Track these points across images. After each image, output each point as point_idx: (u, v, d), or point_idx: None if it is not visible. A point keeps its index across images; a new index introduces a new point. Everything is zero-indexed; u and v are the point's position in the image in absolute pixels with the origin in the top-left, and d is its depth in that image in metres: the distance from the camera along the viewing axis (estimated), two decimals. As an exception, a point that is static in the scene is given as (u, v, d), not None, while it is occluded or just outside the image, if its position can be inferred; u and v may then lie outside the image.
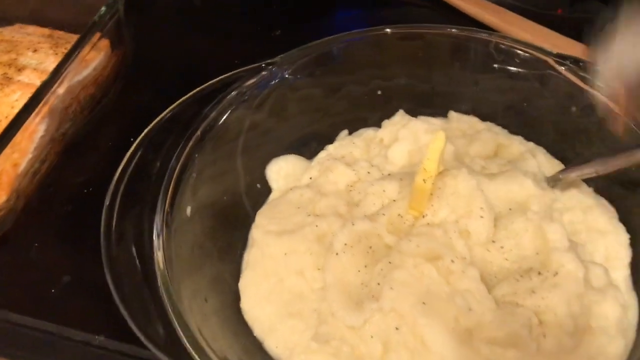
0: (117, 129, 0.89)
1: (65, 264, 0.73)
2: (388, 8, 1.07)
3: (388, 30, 0.74)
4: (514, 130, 0.75)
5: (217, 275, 0.64)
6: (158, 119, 0.65)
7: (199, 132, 0.64)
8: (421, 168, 0.58)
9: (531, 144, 0.73)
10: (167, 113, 0.65)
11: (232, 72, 0.70)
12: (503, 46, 0.71)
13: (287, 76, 0.71)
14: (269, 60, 0.71)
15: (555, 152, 0.73)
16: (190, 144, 0.63)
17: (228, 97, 0.67)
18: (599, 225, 0.63)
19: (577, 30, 0.99)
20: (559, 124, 0.72)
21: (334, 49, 0.74)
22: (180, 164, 0.61)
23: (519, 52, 0.70)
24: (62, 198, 0.79)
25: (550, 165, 0.71)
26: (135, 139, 0.83)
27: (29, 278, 0.72)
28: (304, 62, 0.73)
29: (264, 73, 0.70)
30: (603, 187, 0.68)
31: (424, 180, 0.58)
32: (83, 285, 0.70)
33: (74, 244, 0.74)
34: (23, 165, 0.76)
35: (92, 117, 0.88)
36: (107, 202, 0.59)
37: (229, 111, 0.67)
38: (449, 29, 0.73)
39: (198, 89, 0.69)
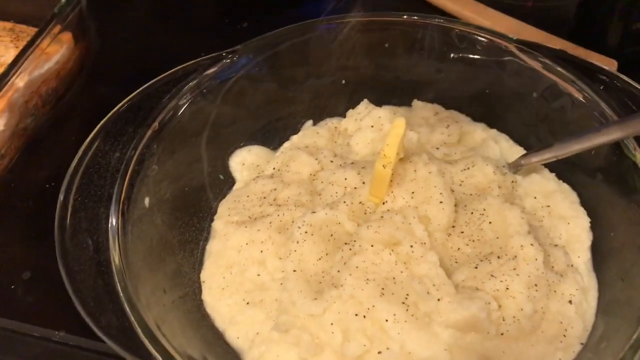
0: (81, 122, 0.88)
1: (26, 261, 0.71)
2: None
3: (350, 19, 0.73)
4: (477, 118, 0.75)
5: (177, 267, 0.63)
6: (115, 109, 0.64)
7: (156, 123, 0.63)
8: (381, 154, 0.58)
9: (494, 131, 0.73)
10: (124, 104, 0.64)
11: (192, 61, 0.69)
12: (464, 33, 0.71)
13: (248, 66, 0.70)
14: (229, 49, 0.70)
15: (518, 138, 0.73)
16: (148, 134, 0.62)
17: (187, 86, 0.66)
18: (560, 209, 0.63)
19: (545, 21, 1.00)
20: (521, 111, 0.72)
21: (296, 38, 0.73)
22: (137, 154, 0.60)
23: (480, 39, 0.70)
24: (23, 194, 0.78)
25: (512, 151, 0.71)
26: (97, 132, 0.82)
27: (-11, 274, 0.70)
28: (265, 52, 0.72)
29: (225, 61, 0.69)
30: (565, 173, 0.68)
31: (383, 166, 0.58)
32: (43, 281, 0.69)
33: (35, 240, 0.73)
34: (-19, 160, 0.75)
35: (54, 112, 0.87)
36: (61, 196, 0.58)
37: (189, 101, 0.66)
38: (411, 17, 0.72)
39: (157, 78, 0.68)
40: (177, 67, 0.68)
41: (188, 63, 0.69)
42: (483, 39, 0.70)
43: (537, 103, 0.70)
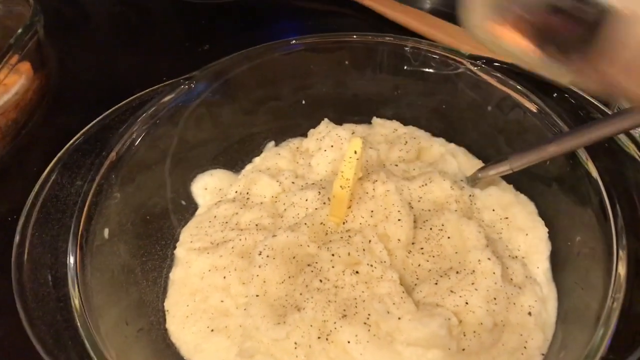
0: (43, 153, 0.87)
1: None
2: (314, 19, 1.08)
3: (295, 41, 0.74)
4: (436, 133, 0.76)
5: (140, 297, 0.62)
6: (71, 142, 0.63)
7: (114, 153, 0.63)
8: (338, 175, 0.58)
9: (452, 145, 0.74)
10: (80, 136, 0.64)
11: (149, 88, 0.69)
12: (418, 50, 0.72)
13: (206, 91, 0.71)
14: (186, 75, 0.70)
15: (476, 151, 0.75)
16: (106, 165, 0.62)
17: (144, 115, 0.66)
18: (518, 221, 0.64)
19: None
20: (477, 124, 0.73)
21: (254, 61, 0.73)
22: (94, 186, 0.60)
23: (434, 55, 0.71)
24: (-15, 228, 0.77)
25: (471, 164, 0.72)
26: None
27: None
28: (223, 76, 0.72)
29: (182, 87, 0.69)
30: (523, 183, 0.69)
31: (341, 187, 0.58)
32: (5, 317, 0.67)
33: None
34: (-62, 196, 0.73)
35: (16, 143, 0.86)
36: (18, 228, 0.58)
37: (147, 129, 0.66)
38: (363, 36, 0.73)
39: (113, 108, 0.67)
40: (133, 96, 0.68)
41: (144, 91, 0.69)
42: (436, 55, 0.71)
43: (492, 115, 0.72)
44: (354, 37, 0.73)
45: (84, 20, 1.19)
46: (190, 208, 0.72)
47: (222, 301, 0.60)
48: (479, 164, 0.72)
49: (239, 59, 0.73)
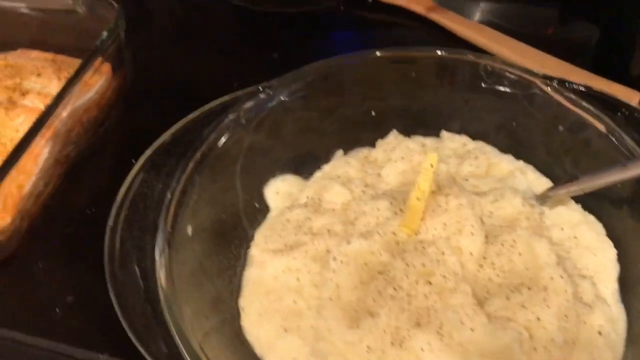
0: (119, 150, 0.92)
1: (69, 284, 0.74)
2: (381, 30, 1.11)
3: (378, 53, 0.76)
4: (503, 149, 0.77)
5: (217, 294, 0.65)
6: (158, 142, 0.67)
7: (198, 155, 0.66)
8: (415, 187, 0.60)
9: (521, 162, 0.75)
10: (168, 136, 0.67)
11: (230, 94, 0.72)
12: (491, 68, 0.74)
13: (282, 99, 0.73)
14: (265, 83, 0.73)
15: (544, 169, 0.75)
16: (191, 166, 0.65)
17: (226, 120, 0.69)
18: (587, 241, 0.65)
19: (567, 50, 1.02)
20: (547, 143, 0.74)
21: (328, 71, 0.76)
22: (181, 185, 0.63)
23: (506, 73, 0.73)
24: (65, 219, 0.81)
25: (539, 182, 0.73)
26: (136, 160, 0.85)
27: (34, 297, 0.74)
28: (298, 85, 0.75)
29: (261, 96, 0.72)
30: (591, 204, 0.70)
31: (417, 198, 0.60)
32: (86, 304, 0.72)
33: (77, 265, 0.76)
34: (27, 187, 0.78)
35: (94, 139, 0.90)
36: (110, 223, 0.61)
37: (227, 133, 0.69)
38: (438, 52, 0.75)
39: (197, 111, 0.71)
40: (216, 101, 0.71)
41: (226, 97, 0.72)
42: (510, 74, 0.73)
43: (562, 135, 0.73)
44: (431, 52, 0.75)
45: (149, 19, 1.23)
46: (262, 210, 0.75)
47: (295, 302, 0.63)
48: (547, 182, 0.73)
49: (314, 68, 0.76)
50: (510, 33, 1.01)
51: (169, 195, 0.62)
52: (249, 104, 0.71)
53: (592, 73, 0.93)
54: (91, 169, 0.87)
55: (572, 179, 0.66)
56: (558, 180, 0.74)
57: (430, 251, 0.60)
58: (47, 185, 0.82)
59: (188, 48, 1.10)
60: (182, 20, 1.21)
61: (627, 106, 0.69)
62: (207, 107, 0.71)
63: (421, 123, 0.82)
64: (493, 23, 1.08)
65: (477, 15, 1.12)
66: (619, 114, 0.69)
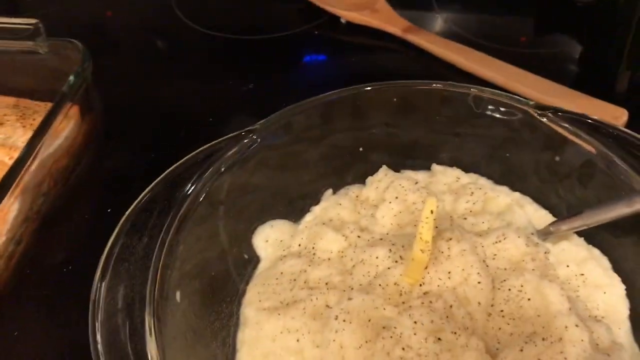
0: (93, 199, 0.87)
1: (48, 350, 0.69)
2: (357, 53, 1.08)
3: (365, 88, 0.74)
4: (498, 180, 0.75)
5: (212, 359, 0.61)
6: (137, 201, 0.62)
7: (181, 213, 0.61)
8: (417, 238, 0.57)
9: (517, 195, 0.73)
10: (146, 194, 0.62)
11: (212, 142, 0.68)
12: (481, 98, 0.71)
13: (266, 143, 0.70)
14: (249, 128, 0.70)
15: (540, 199, 0.73)
16: (174, 226, 0.61)
17: (208, 172, 0.65)
18: (594, 278, 0.63)
19: (545, 65, 1.01)
20: (542, 172, 0.72)
21: (313, 110, 0.73)
22: (164, 250, 0.59)
23: (498, 104, 0.71)
24: (40, 280, 0.76)
25: (538, 215, 0.70)
26: (111, 210, 0.81)
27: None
28: (283, 126, 0.71)
29: (245, 141, 0.69)
30: (593, 236, 0.68)
31: (421, 250, 0.57)
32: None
33: (56, 332, 0.71)
34: (-3, 250, 0.73)
35: (65, 190, 0.85)
36: (92, 297, 0.56)
37: (209, 186, 0.65)
38: (428, 85, 0.72)
39: (177, 163, 0.66)
40: (197, 150, 0.67)
41: (206, 146, 0.68)
42: (501, 106, 0.70)
43: (554, 162, 0.71)
44: (420, 84, 0.72)
45: (115, 51, 1.18)
46: (252, 261, 0.71)
47: (296, 365, 0.59)
48: (546, 214, 0.71)
49: (297, 109, 0.72)
50: (484, 50, 1.00)
51: (153, 263, 0.58)
52: (231, 152, 0.67)
53: (573, 89, 0.92)
54: (64, 223, 0.82)
55: (575, 213, 0.64)
56: (555, 209, 0.72)
57: (438, 306, 0.57)
58: (19, 244, 0.77)
59: (159, 84, 1.05)
60: (149, 49, 1.16)
61: (616, 129, 0.68)
62: (187, 158, 0.66)
63: (410, 155, 0.79)
64: (458, 34, 1.06)
65: (439, 25, 1.10)
66: (610, 139, 0.67)
